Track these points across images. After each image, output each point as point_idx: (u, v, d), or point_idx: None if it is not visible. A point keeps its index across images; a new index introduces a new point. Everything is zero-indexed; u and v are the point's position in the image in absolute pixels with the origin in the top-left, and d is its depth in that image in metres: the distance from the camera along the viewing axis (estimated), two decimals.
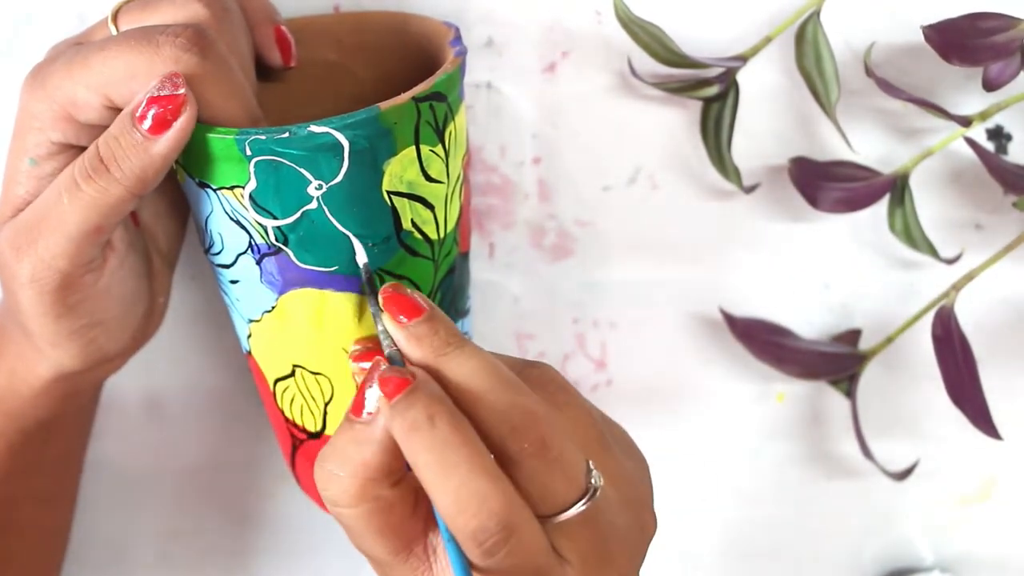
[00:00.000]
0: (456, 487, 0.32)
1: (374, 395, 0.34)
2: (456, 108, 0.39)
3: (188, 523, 0.54)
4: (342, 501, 0.34)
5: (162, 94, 0.35)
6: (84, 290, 0.38)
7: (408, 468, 0.34)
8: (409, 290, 0.36)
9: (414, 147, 0.37)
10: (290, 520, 0.53)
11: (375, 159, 0.36)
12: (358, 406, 0.34)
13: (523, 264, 0.51)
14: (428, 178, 0.38)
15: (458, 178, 0.40)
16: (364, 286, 0.37)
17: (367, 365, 0.36)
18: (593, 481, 0.34)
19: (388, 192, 0.37)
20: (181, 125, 0.35)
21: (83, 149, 0.37)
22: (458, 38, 0.40)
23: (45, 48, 0.41)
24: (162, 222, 0.43)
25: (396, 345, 0.35)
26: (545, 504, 0.34)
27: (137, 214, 0.42)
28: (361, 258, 0.37)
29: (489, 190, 0.50)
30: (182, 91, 0.35)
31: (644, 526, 0.37)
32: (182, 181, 0.39)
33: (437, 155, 0.38)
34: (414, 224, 0.38)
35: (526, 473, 0.33)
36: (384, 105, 0.36)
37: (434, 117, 0.38)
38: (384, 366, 0.34)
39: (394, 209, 0.37)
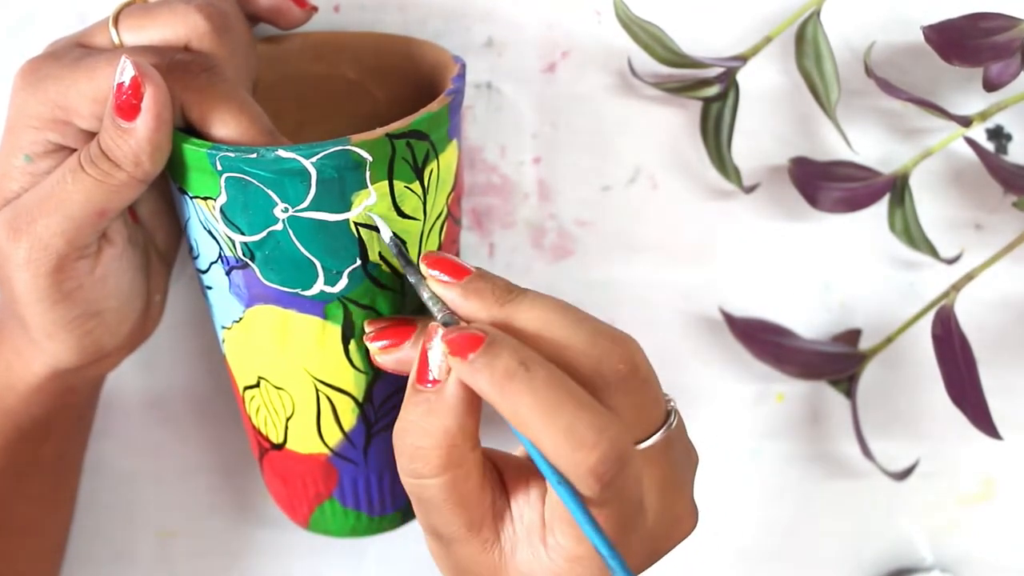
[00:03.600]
0: (569, 424, 0.31)
1: (436, 359, 0.34)
2: (441, 147, 0.39)
3: (188, 523, 0.54)
4: (429, 471, 0.34)
5: (121, 80, 0.35)
6: (79, 277, 0.38)
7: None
8: (447, 254, 0.36)
9: (387, 182, 0.37)
10: (290, 521, 0.53)
11: (343, 190, 0.36)
12: (423, 374, 0.34)
13: (523, 264, 0.51)
14: (401, 214, 0.38)
15: (440, 215, 0.40)
16: (396, 259, 0.37)
17: (387, 343, 0.36)
18: (672, 403, 0.35)
19: (356, 223, 0.37)
20: (148, 104, 0.35)
21: (71, 153, 0.38)
22: (460, 76, 0.40)
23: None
24: (161, 220, 0.43)
25: (448, 308, 0.35)
26: (640, 428, 0.34)
27: (136, 210, 0.42)
28: (386, 233, 0.37)
29: (489, 190, 0.50)
30: (135, 73, 0.35)
31: (693, 452, 0.38)
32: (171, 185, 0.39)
33: (413, 192, 0.38)
34: (382, 257, 0.38)
35: (623, 397, 0.33)
36: (355, 138, 0.36)
37: (412, 154, 0.37)
38: (441, 330, 0.34)
39: (361, 240, 0.37)
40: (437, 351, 0.34)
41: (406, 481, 0.35)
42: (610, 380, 0.33)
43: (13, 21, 0.46)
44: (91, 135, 0.37)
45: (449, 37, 0.47)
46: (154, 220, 0.43)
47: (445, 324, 0.35)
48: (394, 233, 0.37)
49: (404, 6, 0.46)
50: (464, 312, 0.35)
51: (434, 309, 0.35)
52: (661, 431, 0.34)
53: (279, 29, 0.42)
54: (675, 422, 0.35)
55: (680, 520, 0.36)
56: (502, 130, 0.49)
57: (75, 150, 0.38)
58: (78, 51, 0.38)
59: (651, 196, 0.50)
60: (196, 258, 0.40)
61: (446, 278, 0.35)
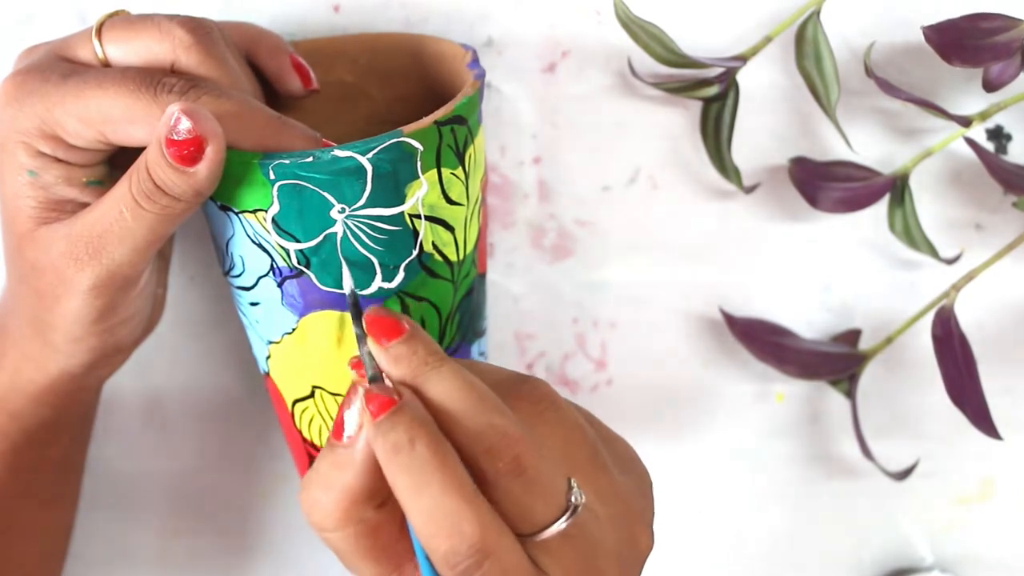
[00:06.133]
0: (428, 508, 0.32)
1: (353, 417, 0.34)
2: (476, 130, 0.39)
3: (188, 523, 0.54)
4: (327, 525, 0.34)
5: (178, 139, 0.35)
6: (132, 291, 0.39)
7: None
8: (391, 311, 0.35)
9: (435, 170, 0.37)
10: (289, 520, 0.53)
11: (397, 183, 0.37)
12: (338, 429, 0.34)
13: (523, 264, 0.51)
14: (449, 200, 0.38)
15: (477, 199, 0.40)
16: (351, 310, 0.37)
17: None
18: (574, 499, 0.34)
19: (410, 215, 0.37)
20: (211, 155, 0.35)
21: (69, 165, 0.38)
22: (476, 60, 0.41)
23: None
24: None
25: (378, 367, 0.35)
26: (524, 523, 0.34)
27: None
28: (348, 284, 0.37)
29: (489, 190, 0.50)
30: (196, 134, 0.35)
31: (636, 541, 0.37)
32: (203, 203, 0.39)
33: (458, 178, 0.38)
34: (435, 246, 0.39)
35: (502, 493, 0.33)
36: (407, 129, 0.36)
37: (455, 140, 0.38)
38: (363, 388, 0.34)
39: (415, 232, 0.38)
40: (355, 408, 0.34)
41: (313, 528, 0.35)
42: (489, 475, 0.33)
43: (13, 21, 0.46)
44: (81, 149, 0.37)
45: (449, 37, 0.47)
46: None
47: (372, 380, 0.34)
48: (353, 287, 0.36)
49: (404, 5, 0.46)
50: (389, 373, 0.35)
51: (368, 364, 0.35)
52: (558, 522, 0.34)
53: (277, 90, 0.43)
54: (580, 513, 0.34)
55: None
56: (502, 130, 0.49)
57: (67, 163, 0.38)
58: (64, 67, 0.37)
59: (651, 196, 0.50)
60: (239, 275, 0.40)
61: (380, 337, 0.35)
